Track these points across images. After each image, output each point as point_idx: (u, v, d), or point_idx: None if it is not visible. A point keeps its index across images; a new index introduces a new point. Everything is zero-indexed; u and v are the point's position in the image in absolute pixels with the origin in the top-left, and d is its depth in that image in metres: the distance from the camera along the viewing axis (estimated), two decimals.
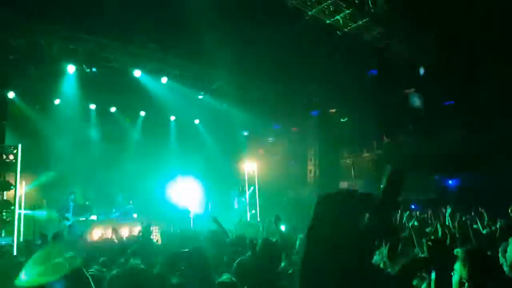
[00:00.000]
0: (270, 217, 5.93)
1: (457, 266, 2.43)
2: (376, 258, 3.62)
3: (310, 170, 16.98)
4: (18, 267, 2.36)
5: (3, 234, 9.19)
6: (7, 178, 9.31)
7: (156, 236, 9.12)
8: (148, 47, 11.75)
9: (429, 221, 6.89)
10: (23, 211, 9.77)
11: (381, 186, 0.84)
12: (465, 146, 12.53)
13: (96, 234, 10.26)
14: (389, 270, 2.71)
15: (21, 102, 10.96)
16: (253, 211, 14.21)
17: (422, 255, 3.41)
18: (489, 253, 3.11)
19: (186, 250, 3.10)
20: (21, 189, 9.79)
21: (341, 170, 16.98)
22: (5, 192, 9.42)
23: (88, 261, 4.18)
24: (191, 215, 12.57)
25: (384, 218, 0.84)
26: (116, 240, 6.25)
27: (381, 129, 14.99)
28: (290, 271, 3.24)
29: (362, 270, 0.78)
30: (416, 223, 5.80)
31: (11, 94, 10.89)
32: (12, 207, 9.23)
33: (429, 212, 7.75)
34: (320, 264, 0.75)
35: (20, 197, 9.68)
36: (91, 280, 2.59)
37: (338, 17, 11.08)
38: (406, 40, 12.59)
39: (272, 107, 15.28)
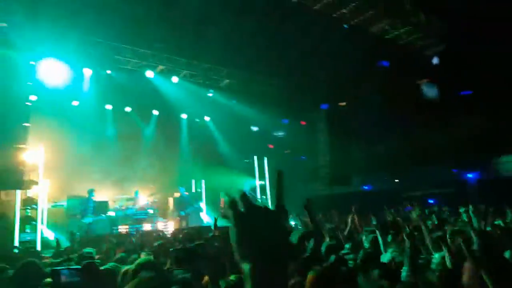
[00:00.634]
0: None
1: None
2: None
3: (321, 165, 17.11)
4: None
5: (28, 230, 9.87)
6: (31, 177, 9.95)
7: None
8: (157, 48, 12.24)
9: (448, 219, 6.44)
10: (46, 207, 10.42)
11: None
12: (483, 136, 11.91)
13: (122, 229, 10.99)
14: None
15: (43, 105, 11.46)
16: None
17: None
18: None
19: None
20: (44, 187, 10.41)
21: (352, 163, 16.84)
22: (28, 190, 10.06)
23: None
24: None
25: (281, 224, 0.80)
26: None
27: (393, 121, 14.53)
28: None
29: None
30: (436, 221, 5.34)
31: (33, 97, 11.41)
32: (35, 205, 9.90)
33: (446, 210, 7.67)
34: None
35: (43, 195, 10.33)
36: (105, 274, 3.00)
37: (344, 10, 11.37)
38: (416, 29, 12.54)
39: (281, 102, 15.46)
